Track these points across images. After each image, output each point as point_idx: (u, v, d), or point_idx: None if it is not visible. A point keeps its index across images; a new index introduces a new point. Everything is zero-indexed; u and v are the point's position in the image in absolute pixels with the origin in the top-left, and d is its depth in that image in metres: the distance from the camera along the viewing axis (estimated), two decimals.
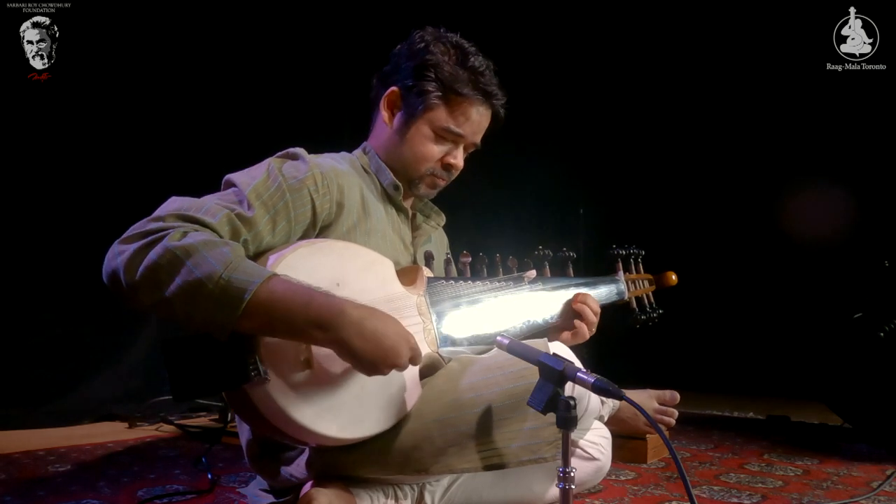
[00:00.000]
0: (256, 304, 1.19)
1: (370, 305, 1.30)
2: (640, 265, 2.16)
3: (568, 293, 1.83)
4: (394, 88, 1.63)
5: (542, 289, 1.78)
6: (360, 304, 1.28)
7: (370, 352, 1.25)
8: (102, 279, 1.26)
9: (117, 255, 1.23)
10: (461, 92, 1.60)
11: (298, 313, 1.22)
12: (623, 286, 2.06)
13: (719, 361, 3.84)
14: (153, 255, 1.20)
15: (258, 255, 1.36)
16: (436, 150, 1.63)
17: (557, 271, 1.87)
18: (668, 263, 2.22)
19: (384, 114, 1.64)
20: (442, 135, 1.62)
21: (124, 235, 1.26)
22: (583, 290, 1.86)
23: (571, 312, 1.79)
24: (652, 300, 2.17)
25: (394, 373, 1.34)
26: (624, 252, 2.10)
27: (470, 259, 1.67)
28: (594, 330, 1.80)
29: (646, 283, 2.16)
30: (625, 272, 2.09)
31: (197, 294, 1.18)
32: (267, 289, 1.21)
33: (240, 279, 1.20)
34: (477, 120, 1.64)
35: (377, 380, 1.36)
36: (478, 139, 1.68)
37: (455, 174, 1.69)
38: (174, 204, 1.31)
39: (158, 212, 1.29)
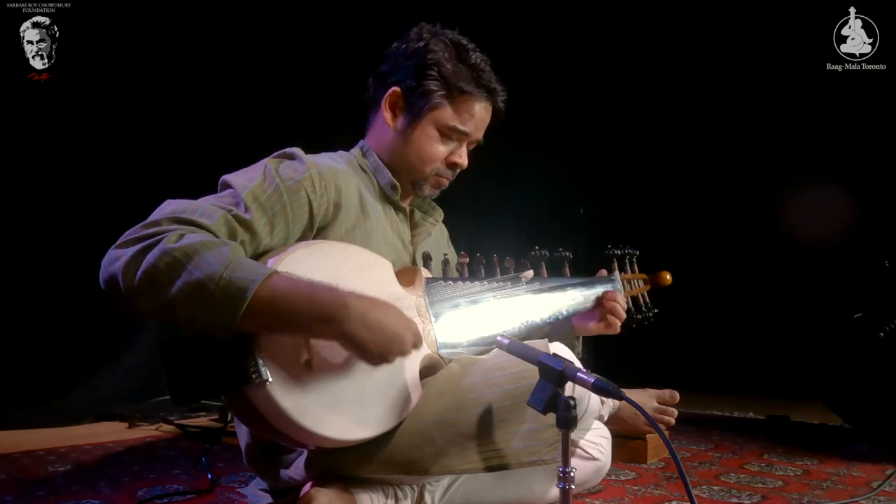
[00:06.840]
0: (259, 302, 1.18)
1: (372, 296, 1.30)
2: (636, 265, 2.17)
3: (565, 294, 1.84)
4: (395, 89, 1.61)
5: (539, 289, 1.79)
6: (361, 294, 1.27)
7: (375, 341, 1.25)
8: (100, 285, 1.23)
9: (114, 260, 1.21)
10: (465, 90, 1.59)
11: (302, 308, 1.21)
12: (619, 286, 2.06)
13: (719, 361, 3.84)
14: (151, 258, 1.18)
15: (256, 258, 1.35)
16: (441, 149, 1.63)
17: (554, 271, 1.88)
18: (669, 263, 2.21)
19: (386, 115, 1.62)
20: (447, 134, 1.62)
21: (119, 241, 1.23)
22: (579, 289, 1.89)
23: (604, 309, 1.89)
24: (647, 300, 2.18)
25: (394, 374, 1.33)
26: (619, 252, 2.12)
27: (468, 260, 1.67)
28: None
29: (641, 282, 2.18)
30: (620, 272, 2.10)
31: (198, 295, 1.17)
32: (268, 286, 1.20)
33: (241, 278, 1.18)
34: (481, 117, 1.64)
35: (378, 381, 1.36)
36: (481, 135, 1.68)
37: (458, 172, 1.69)
38: (169, 207, 1.29)
39: (153, 216, 1.27)
